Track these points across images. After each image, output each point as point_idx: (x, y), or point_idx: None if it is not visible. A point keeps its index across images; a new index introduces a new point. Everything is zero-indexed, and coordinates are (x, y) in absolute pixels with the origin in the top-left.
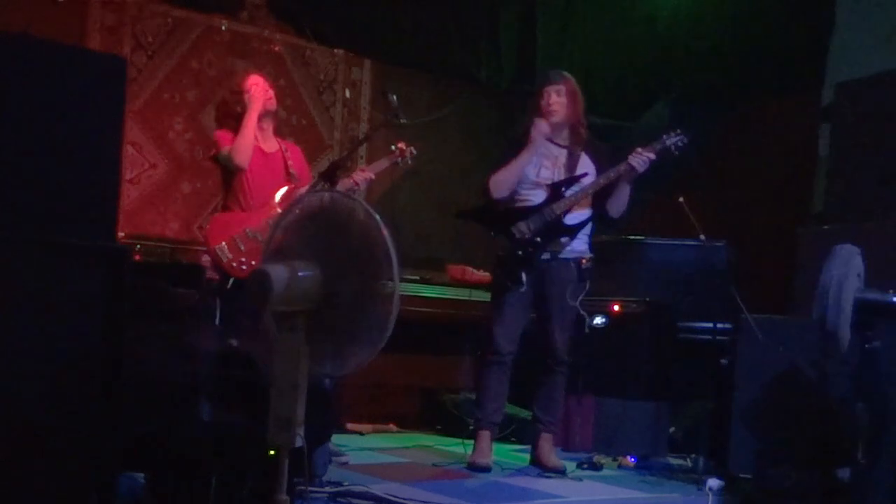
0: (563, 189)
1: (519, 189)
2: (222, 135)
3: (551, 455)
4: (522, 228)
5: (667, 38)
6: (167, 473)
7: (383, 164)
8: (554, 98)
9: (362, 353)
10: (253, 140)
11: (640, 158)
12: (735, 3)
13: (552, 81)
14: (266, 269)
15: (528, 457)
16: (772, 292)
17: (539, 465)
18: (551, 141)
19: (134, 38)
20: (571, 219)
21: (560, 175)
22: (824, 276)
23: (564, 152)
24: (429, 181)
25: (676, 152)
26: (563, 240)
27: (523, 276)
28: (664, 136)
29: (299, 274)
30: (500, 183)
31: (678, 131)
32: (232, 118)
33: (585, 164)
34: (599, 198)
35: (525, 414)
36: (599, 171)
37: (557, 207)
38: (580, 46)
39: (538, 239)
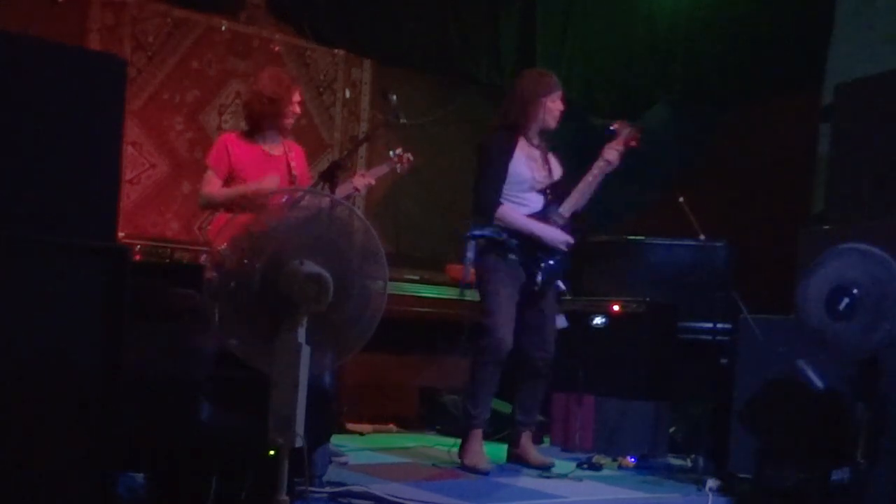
0: (559, 191)
1: (517, 191)
2: (213, 162)
3: (536, 453)
4: (566, 239)
5: (667, 38)
6: (167, 473)
7: (383, 169)
8: (559, 105)
9: (347, 352)
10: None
11: (614, 152)
12: (735, 4)
13: (560, 88)
14: (320, 270)
15: None
16: (772, 292)
17: (525, 464)
18: (531, 144)
19: (134, 38)
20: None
21: (543, 176)
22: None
23: (539, 153)
24: (429, 181)
25: (634, 143)
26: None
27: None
28: (618, 129)
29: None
30: (507, 223)
31: (630, 124)
32: (251, 119)
33: (556, 164)
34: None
35: None
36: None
37: (566, 209)
38: (580, 46)
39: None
